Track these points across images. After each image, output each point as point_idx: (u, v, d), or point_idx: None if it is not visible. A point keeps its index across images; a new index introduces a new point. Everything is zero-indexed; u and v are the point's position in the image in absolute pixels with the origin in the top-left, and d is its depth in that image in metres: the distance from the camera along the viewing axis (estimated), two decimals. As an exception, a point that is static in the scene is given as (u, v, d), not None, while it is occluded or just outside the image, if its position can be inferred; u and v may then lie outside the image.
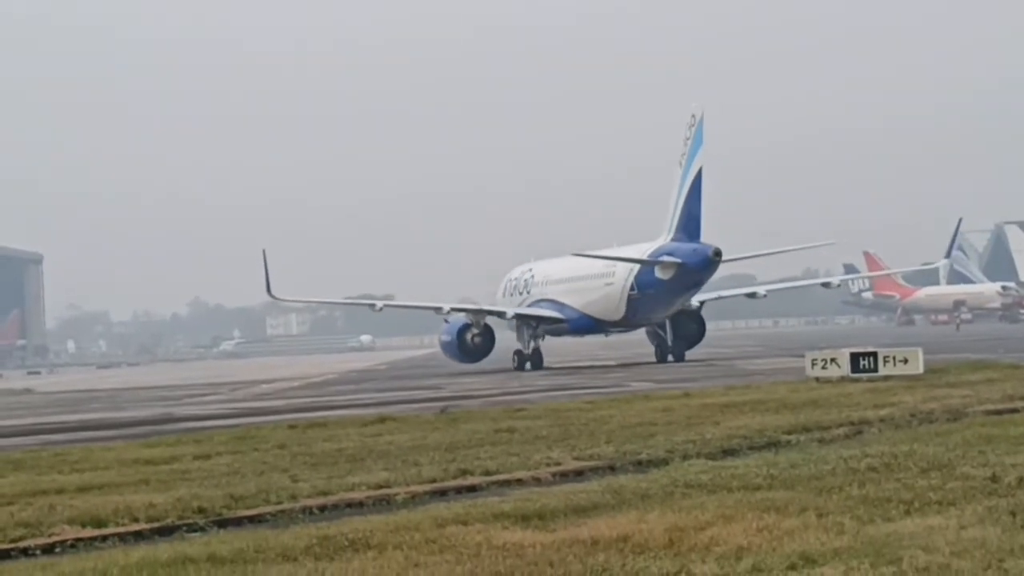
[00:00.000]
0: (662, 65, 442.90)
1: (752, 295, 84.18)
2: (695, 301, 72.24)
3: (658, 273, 66.25)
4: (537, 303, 75.41)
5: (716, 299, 78.72)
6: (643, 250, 68.55)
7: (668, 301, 68.13)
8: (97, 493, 18.35)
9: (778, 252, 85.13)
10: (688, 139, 66.90)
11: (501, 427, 26.05)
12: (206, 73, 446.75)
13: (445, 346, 75.88)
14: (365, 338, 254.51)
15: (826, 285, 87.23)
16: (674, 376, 50.82)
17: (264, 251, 76.30)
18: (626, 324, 72.06)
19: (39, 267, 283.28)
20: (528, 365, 71.65)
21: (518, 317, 74.47)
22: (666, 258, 65.89)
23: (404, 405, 38.61)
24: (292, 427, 28.61)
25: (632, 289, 68.33)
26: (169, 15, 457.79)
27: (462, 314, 75.81)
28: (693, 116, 67.24)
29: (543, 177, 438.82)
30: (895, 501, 14.15)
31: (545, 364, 72.44)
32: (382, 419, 29.45)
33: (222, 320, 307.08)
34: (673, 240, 66.74)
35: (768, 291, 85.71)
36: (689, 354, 71.87)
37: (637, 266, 68.01)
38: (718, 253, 65.54)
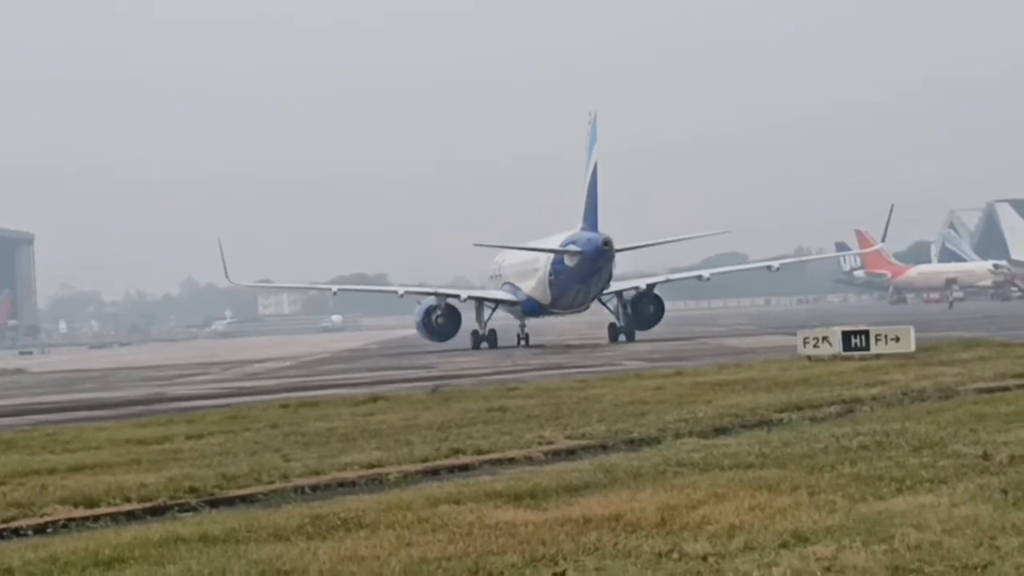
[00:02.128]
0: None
1: (699, 278, 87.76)
2: (643, 283, 78.25)
3: (567, 260, 71.68)
4: (503, 286, 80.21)
5: (665, 282, 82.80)
6: (558, 240, 73.71)
7: (581, 285, 72.66)
8: (89, 473, 18.32)
9: (674, 241, 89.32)
10: (588, 135, 72.95)
11: (493, 406, 26.05)
12: (193, 49, 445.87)
13: (416, 326, 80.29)
14: (336, 318, 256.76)
15: (769, 268, 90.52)
16: (666, 355, 50.88)
17: (220, 240, 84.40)
18: (560, 307, 76.22)
19: (30, 247, 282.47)
20: (484, 344, 76.31)
21: (472, 299, 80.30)
22: (571, 247, 71.32)
23: (396, 384, 38.61)
24: (284, 406, 28.57)
25: (551, 275, 73.37)
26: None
27: (432, 297, 80.00)
28: (590, 114, 73.33)
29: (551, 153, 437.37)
30: (887, 479, 14.16)
31: (532, 342, 76.86)
32: (374, 398, 29.47)
33: (214, 300, 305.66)
34: (581, 229, 71.96)
35: (712, 274, 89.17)
36: (648, 334, 75.61)
37: (553, 254, 73.10)
38: (607, 242, 70.25)
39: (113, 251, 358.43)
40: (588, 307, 78.58)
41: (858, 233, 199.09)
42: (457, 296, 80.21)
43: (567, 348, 69.53)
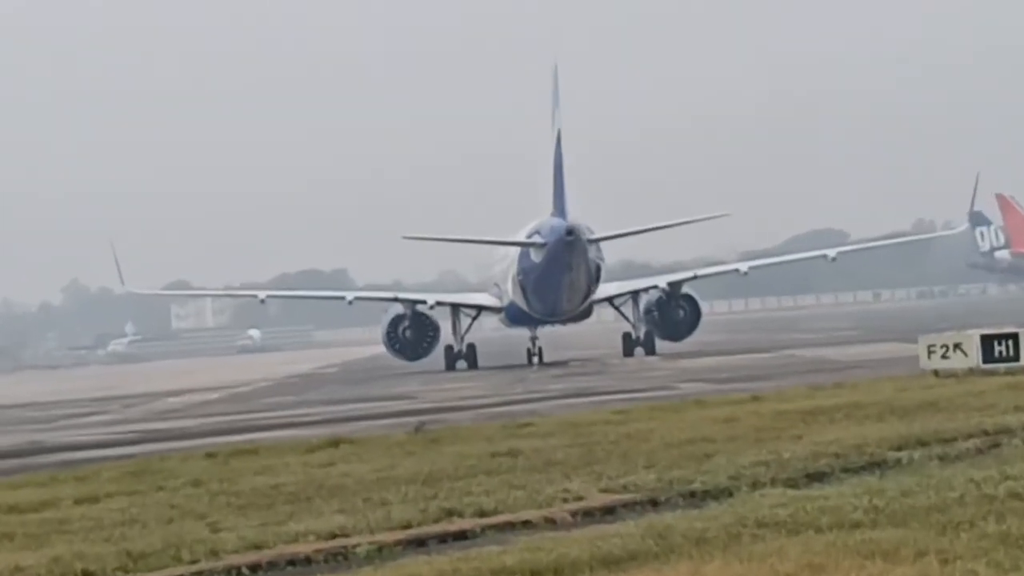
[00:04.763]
0: None
1: (736, 271, 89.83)
2: (663, 281, 79.67)
3: (533, 255, 72.87)
4: (493, 287, 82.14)
5: (693, 278, 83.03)
6: (526, 230, 74.77)
7: (553, 284, 73.36)
8: (-58, 554, 18.32)
9: (668, 226, 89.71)
10: (551, 95, 75.82)
11: (500, 449, 26.08)
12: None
13: (383, 341, 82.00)
14: (254, 332, 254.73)
15: (826, 258, 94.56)
16: (737, 373, 50.88)
17: (112, 242, 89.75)
18: (543, 312, 76.48)
19: None
20: (461, 364, 77.18)
21: (440, 305, 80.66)
22: (535, 238, 72.69)
23: (364, 422, 38.65)
24: (210, 456, 28.62)
25: (519, 274, 74.77)
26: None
27: (398, 304, 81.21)
28: (553, 71, 76.21)
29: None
30: (1047, 540, 14.17)
31: (548, 359, 76.71)
32: (335, 442, 29.48)
33: (110, 310, 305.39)
34: (550, 215, 73.76)
35: (751, 268, 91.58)
36: (681, 345, 77.29)
37: (520, 248, 74.45)
38: (570, 231, 71.31)
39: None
40: (585, 312, 79.83)
41: (1000, 198, 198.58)
42: (424, 302, 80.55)
43: (602, 367, 69.44)
